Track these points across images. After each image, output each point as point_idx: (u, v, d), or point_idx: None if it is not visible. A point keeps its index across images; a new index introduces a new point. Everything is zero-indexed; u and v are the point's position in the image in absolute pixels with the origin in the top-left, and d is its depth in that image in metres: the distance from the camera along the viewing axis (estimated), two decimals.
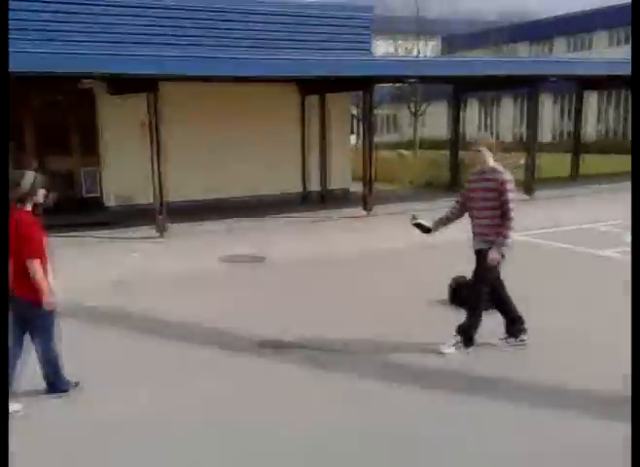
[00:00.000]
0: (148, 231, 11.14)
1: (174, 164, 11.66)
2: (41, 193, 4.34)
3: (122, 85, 11.67)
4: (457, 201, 5.50)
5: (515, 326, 5.47)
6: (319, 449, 3.86)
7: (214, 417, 4.29)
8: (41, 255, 4.30)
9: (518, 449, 3.84)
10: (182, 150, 12.72)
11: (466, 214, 5.45)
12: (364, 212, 12.93)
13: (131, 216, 12.19)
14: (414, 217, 5.62)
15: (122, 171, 12.77)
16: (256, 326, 6.08)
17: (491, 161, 5.18)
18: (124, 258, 9.39)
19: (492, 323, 5.47)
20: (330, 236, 10.93)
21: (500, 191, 5.03)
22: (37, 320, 4.38)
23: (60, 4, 11.93)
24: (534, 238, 9.91)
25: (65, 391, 4.63)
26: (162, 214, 11.03)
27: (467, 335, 5.32)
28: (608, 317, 6.15)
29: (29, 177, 4.30)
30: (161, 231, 11.01)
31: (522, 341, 5.47)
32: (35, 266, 4.22)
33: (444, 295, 6.73)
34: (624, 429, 3.29)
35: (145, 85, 10.74)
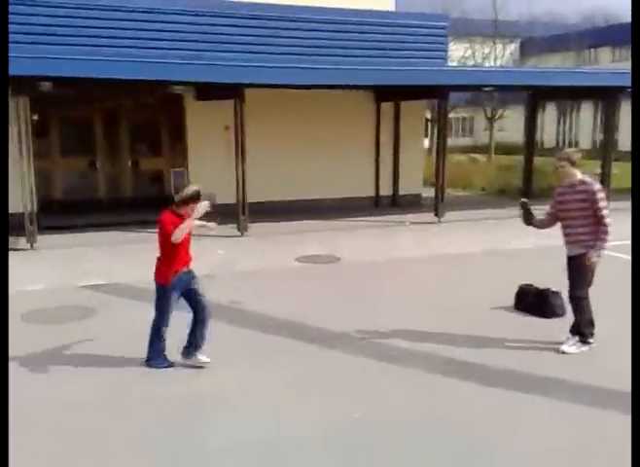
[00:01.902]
0: (230, 230, 11.87)
1: (254, 167, 12.34)
2: (194, 207, 5.12)
3: (209, 91, 12.50)
4: (548, 213, 5.94)
5: (586, 329, 5.77)
6: (387, 430, 4.35)
7: (292, 397, 4.85)
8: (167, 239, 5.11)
9: (565, 441, 4.20)
10: (262, 153, 13.42)
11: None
12: (435, 218, 13.27)
13: (215, 215, 12.94)
14: (525, 202, 6.03)
15: (206, 172, 13.58)
16: (330, 320, 6.62)
17: (578, 174, 5.61)
18: (211, 254, 10.12)
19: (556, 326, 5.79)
20: (401, 240, 11.35)
21: (592, 200, 5.48)
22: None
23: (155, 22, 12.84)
24: (614, 252, 9.99)
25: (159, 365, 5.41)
26: (245, 214, 11.75)
27: (581, 334, 5.73)
28: None
29: (189, 190, 5.20)
30: (243, 230, 11.74)
31: (590, 343, 5.77)
32: (184, 225, 5.09)
33: (511, 301, 7.07)
34: None
35: (231, 92, 11.47)
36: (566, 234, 5.73)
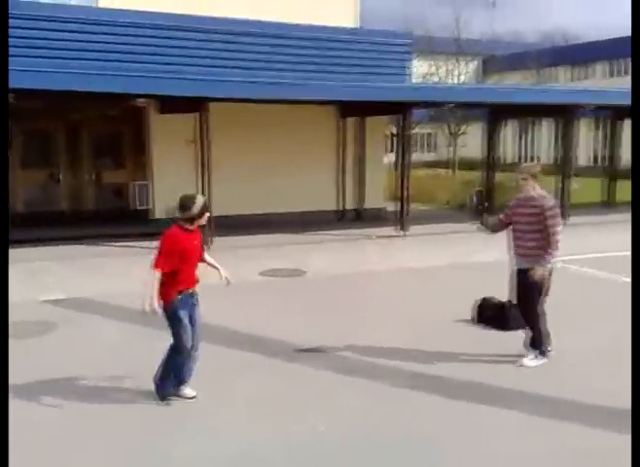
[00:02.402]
0: None
1: (219, 180, 12.32)
2: (206, 216, 4.86)
3: (173, 104, 12.46)
4: (499, 218, 6.02)
5: (543, 341, 5.85)
6: (353, 444, 4.37)
7: (256, 411, 4.83)
8: (160, 265, 4.73)
9: (531, 452, 4.28)
10: (227, 166, 13.39)
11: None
12: (399, 231, 13.41)
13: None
14: (481, 191, 6.10)
15: (170, 186, 13.50)
16: (293, 333, 6.62)
17: (537, 189, 5.70)
18: None
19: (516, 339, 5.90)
20: (366, 254, 11.45)
21: (546, 216, 5.56)
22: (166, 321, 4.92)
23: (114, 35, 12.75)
24: (565, 264, 10.25)
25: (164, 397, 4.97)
26: (210, 228, 11.69)
27: (539, 346, 5.80)
28: (625, 341, 6.52)
29: (200, 202, 4.83)
30: (208, 244, 11.67)
31: (547, 355, 5.85)
32: (149, 275, 4.74)
33: (472, 314, 7.18)
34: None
35: (195, 105, 11.46)
36: (517, 246, 5.81)
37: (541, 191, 5.75)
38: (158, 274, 4.72)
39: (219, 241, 11.87)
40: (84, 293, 8.44)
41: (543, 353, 5.86)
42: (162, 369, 4.99)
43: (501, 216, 6.03)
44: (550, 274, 5.69)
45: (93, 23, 12.30)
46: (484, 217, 6.10)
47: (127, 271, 9.76)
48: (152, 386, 5.15)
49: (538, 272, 5.56)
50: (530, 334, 5.88)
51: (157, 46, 12.88)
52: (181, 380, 5.03)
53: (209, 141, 11.46)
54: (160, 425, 4.68)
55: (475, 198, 5.93)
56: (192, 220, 4.82)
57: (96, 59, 11.94)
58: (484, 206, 5.95)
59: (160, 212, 13.87)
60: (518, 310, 6.15)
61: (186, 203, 4.80)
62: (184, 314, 4.91)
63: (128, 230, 12.71)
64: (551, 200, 5.70)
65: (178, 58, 12.95)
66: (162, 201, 13.80)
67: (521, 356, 5.89)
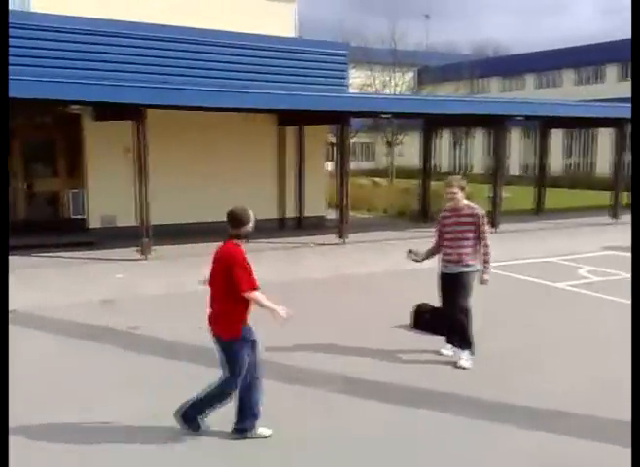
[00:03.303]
0: (132, 252, 11.63)
1: (158, 188, 12.19)
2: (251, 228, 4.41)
3: (108, 111, 12.25)
4: (435, 241, 6.32)
5: (471, 341, 6.19)
6: (289, 451, 4.43)
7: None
8: (251, 286, 4.38)
9: (466, 453, 4.45)
10: (165, 174, 13.29)
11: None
12: (338, 239, 13.57)
13: (116, 237, 12.71)
14: (410, 251, 6.41)
15: (107, 194, 13.30)
16: None
17: (464, 201, 6.09)
18: (109, 279, 9.87)
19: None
20: (306, 262, 11.54)
21: (477, 224, 5.99)
22: (224, 357, 4.45)
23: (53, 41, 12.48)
24: (494, 270, 10.57)
25: (245, 431, 4.52)
26: (147, 237, 11.54)
27: (469, 345, 6.13)
28: (552, 343, 6.87)
29: (253, 216, 4.48)
30: (146, 253, 11.52)
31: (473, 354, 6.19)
32: (254, 296, 4.38)
33: (409, 319, 7.36)
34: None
35: (131, 112, 11.31)
36: (448, 254, 6.12)
37: (468, 202, 6.15)
38: (256, 293, 4.34)
39: (159, 250, 11.74)
40: (16, 305, 8.19)
41: (473, 353, 6.14)
42: (203, 400, 4.54)
43: (435, 237, 6.34)
44: (473, 278, 6.08)
45: (26, 28, 11.96)
46: (415, 252, 6.37)
47: (60, 283, 9.55)
48: (81, 400, 5.08)
49: (486, 277, 5.99)
50: (460, 335, 6.18)
51: (92, 52, 12.65)
52: (255, 415, 4.56)
53: (146, 149, 11.32)
54: (95, 438, 4.61)
55: (411, 257, 6.28)
56: (247, 236, 4.44)
57: (30, 65, 11.63)
58: (420, 256, 6.35)
59: (95, 221, 13.60)
60: (445, 313, 6.41)
61: (242, 218, 4.40)
62: (248, 350, 4.47)
63: (63, 239, 12.40)
64: (480, 210, 6.11)
65: (115, 65, 12.76)
66: (98, 210, 13.55)
67: (455, 358, 6.15)
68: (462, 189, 6.09)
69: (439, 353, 6.33)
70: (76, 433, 4.67)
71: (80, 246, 12.24)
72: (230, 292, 4.33)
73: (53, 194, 13.89)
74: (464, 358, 6.11)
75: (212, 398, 4.51)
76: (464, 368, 6.02)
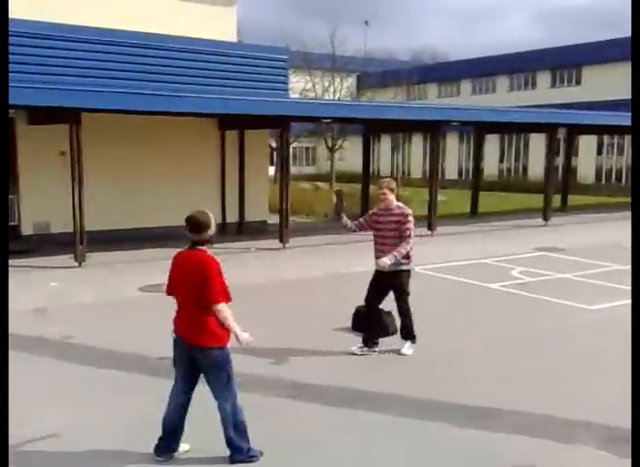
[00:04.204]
0: (67, 260, 11.33)
1: (93, 194, 11.92)
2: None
3: (42, 115, 11.92)
4: (359, 222, 6.70)
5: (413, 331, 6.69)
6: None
7: (136, 435, 4.76)
8: (227, 297, 4.20)
9: (406, 453, 4.54)
10: (103, 180, 13.02)
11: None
12: (279, 244, 13.59)
13: (50, 244, 12.37)
14: (340, 190, 6.89)
15: (41, 199, 12.92)
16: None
17: (394, 201, 6.44)
18: (43, 287, 9.59)
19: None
20: (246, 267, 11.50)
21: (403, 222, 6.32)
22: (213, 367, 4.20)
23: None
24: (430, 272, 10.86)
25: (252, 459, 4.29)
26: (82, 244, 11.26)
27: (412, 334, 6.65)
28: (485, 342, 7.09)
29: (214, 220, 4.24)
30: (81, 260, 11.24)
31: (374, 351, 6.66)
32: (224, 310, 4.15)
33: (349, 322, 7.45)
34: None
35: (67, 116, 11.03)
36: (381, 251, 6.41)
37: (398, 202, 6.51)
38: (225, 309, 4.16)
39: (95, 257, 11.49)
40: None
41: (414, 342, 6.65)
42: (236, 426, 4.29)
43: (361, 219, 6.77)
44: (408, 276, 6.54)
45: None
46: (343, 217, 6.60)
47: None
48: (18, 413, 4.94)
49: (383, 261, 6.18)
50: (404, 326, 6.64)
51: (23, 54, 12.27)
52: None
53: (80, 153, 11.05)
54: (23, 451, 4.48)
55: (335, 198, 6.50)
56: (210, 241, 4.22)
57: None
58: (343, 205, 6.60)
59: (28, 228, 13.19)
60: (390, 317, 6.68)
61: (203, 223, 4.16)
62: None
63: None
64: (408, 209, 6.46)
65: (52, 68, 12.44)
66: (32, 217, 13.14)
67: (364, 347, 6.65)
68: (392, 190, 6.44)
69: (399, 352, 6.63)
70: (13, 448, 4.53)
71: (12, 254, 11.80)
72: (217, 296, 4.17)
73: None
74: (407, 346, 6.63)
75: (237, 420, 4.29)
76: (407, 355, 6.56)
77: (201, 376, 4.35)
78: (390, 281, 6.48)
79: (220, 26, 15.60)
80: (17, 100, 10.52)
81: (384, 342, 6.75)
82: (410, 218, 6.39)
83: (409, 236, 6.34)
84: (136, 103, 11.59)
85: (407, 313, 6.63)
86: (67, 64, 12.72)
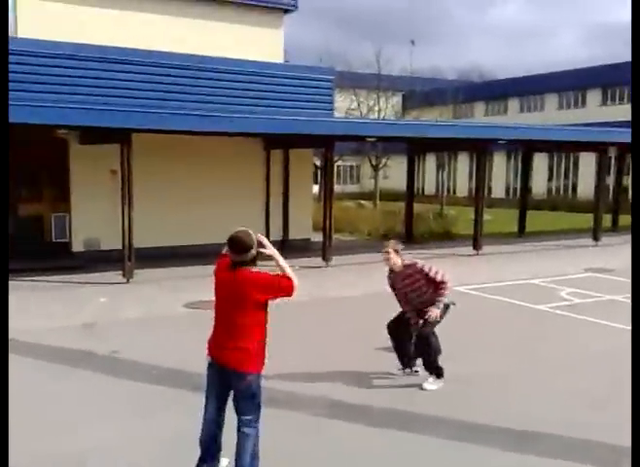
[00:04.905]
0: (115, 276, 11.60)
1: (142, 211, 12.20)
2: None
3: (94, 135, 12.30)
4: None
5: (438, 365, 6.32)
6: None
7: (181, 450, 4.82)
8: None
9: None
10: (151, 198, 13.33)
11: None
12: (323, 262, 13.62)
13: (100, 261, 12.69)
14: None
15: (91, 217, 13.31)
16: None
17: (399, 261, 6.20)
18: (93, 302, 9.83)
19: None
20: None
21: (424, 272, 6.10)
22: (246, 392, 4.10)
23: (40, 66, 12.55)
24: (475, 291, 10.71)
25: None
26: (130, 260, 11.52)
27: (434, 367, 6.22)
28: (529, 364, 6.93)
29: (254, 237, 4.06)
30: (129, 276, 11.49)
31: (416, 372, 6.49)
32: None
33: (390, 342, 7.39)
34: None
35: (117, 136, 11.36)
36: (411, 309, 6.28)
37: (404, 261, 6.24)
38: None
39: (142, 274, 11.73)
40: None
41: (439, 376, 6.23)
42: (253, 457, 4.20)
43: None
44: (446, 308, 6.21)
45: (14, 53, 12.01)
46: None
47: (41, 307, 9.50)
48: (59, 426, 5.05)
49: (433, 314, 6.04)
50: (425, 359, 6.29)
51: (79, 77, 12.76)
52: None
53: (130, 172, 11.35)
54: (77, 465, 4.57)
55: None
56: (254, 261, 4.04)
57: (15, 90, 11.65)
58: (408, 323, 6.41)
59: (78, 245, 13.57)
60: (400, 332, 6.50)
61: (248, 243, 3.99)
62: None
63: (46, 263, 12.35)
64: (419, 262, 6.21)
65: (104, 90, 12.88)
66: (82, 234, 13.53)
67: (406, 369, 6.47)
68: (396, 252, 6.20)
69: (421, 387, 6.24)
70: (62, 463, 4.64)
71: (63, 270, 12.19)
72: (259, 321, 4.07)
73: (37, 218, 13.84)
74: (430, 381, 6.23)
75: (255, 450, 4.21)
76: (429, 390, 6.13)
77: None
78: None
79: (267, 48, 15.92)
80: (69, 121, 10.97)
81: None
82: (424, 265, 6.14)
83: (443, 281, 6.04)
84: (184, 124, 11.85)
85: (429, 343, 6.18)
86: (118, 86, 13.14)
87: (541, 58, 79.51)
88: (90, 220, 13.34)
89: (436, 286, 6.10)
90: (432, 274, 6.10)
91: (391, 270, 6.33)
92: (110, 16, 14.41)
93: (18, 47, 12.15)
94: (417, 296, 6.21)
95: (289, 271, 4.09)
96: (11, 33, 13.39)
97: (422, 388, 6.16)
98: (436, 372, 6.23)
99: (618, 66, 33.77)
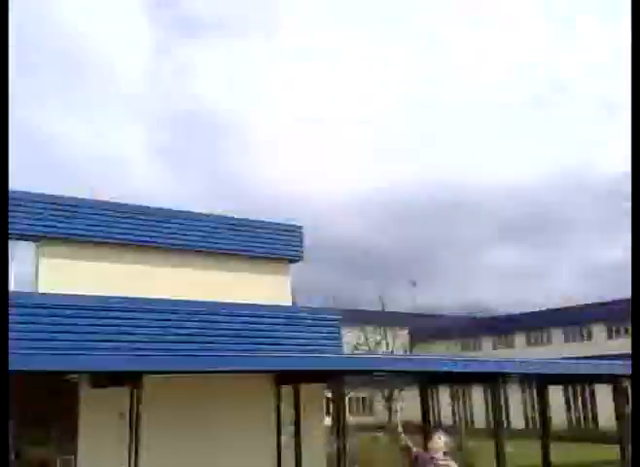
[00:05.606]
0: None
1: (151, 453, 11.86)
2: None
3: (106, 379, 12.45)
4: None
5: None
6: None
7: None
8: None
9: None
10: (159, 439, 13.02)
11: None
12: None
13: None
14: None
15: (99, 460, 12.89)
16: None
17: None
18: None
19: None
20: None
21: None
22: None
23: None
24: None
25: None
26: None
27: None
28: None
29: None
30: None
31: None
32: None
33: None
34: None
35: (129, 380, 11.53)
36: None
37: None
38: None
39: None
40: None
41: None
42: None
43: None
44: None
45: (25, 306, 12.69)
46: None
47: None
48: None
49: None
50: None
51: (95, 325, 13.36)
52: None
53: (139, 416, 11.30)
54: None
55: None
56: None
57: (27, 339, 12.12)
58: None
59: None
60: None
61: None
62: None
63: None
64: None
65: (114, 336, 13.36)
66: None
67: None
68: (446, 444, 6.57)
69: None
70: None
71: None
72: None
73: (44, 461, 13.42)
74: None
75: None
76: None
77: None
78: None
79: (276, 292, 16.98)
80: (83, 366, 11.22)
81: None
82: None
83: None
84: (198, 365, 12.12)
85: None
86: (133, 332, 13.64)
87: (542, 294, 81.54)
88: (99, 463, 12.90)
89: None
90: None
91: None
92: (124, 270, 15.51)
93: (31, 301, 12.93)
94: None
95: None
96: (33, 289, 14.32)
97: None
98: None
99: (621, 301, 34.82)
